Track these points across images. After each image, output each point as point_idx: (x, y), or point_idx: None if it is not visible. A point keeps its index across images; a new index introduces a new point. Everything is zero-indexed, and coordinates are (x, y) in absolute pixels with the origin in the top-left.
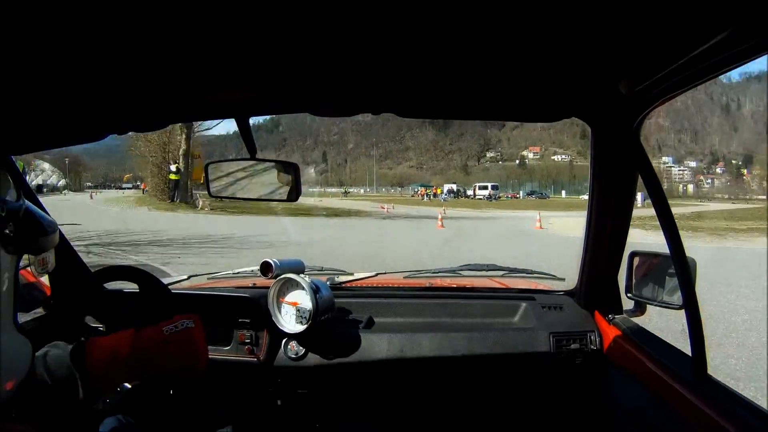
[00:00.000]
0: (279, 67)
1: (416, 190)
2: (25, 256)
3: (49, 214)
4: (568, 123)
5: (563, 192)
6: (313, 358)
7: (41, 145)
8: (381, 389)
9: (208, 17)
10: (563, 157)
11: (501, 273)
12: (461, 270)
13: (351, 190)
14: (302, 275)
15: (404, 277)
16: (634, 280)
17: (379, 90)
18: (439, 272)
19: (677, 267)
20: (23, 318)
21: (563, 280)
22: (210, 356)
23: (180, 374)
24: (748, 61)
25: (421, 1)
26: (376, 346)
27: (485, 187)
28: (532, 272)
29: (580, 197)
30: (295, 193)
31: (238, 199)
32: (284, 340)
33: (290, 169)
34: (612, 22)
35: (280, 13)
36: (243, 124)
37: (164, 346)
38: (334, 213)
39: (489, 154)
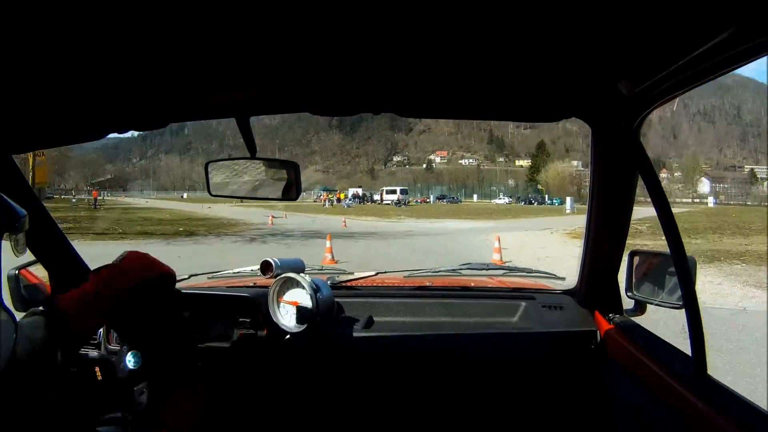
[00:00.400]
0: (279, 67)
1: (319, 195)
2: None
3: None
4: (474, 127)
5: (474, 196)
6: (313, 358)
7: (41, 144)
8: (381, 389)
9: (209, 17)
10: (471, 161)
11: (501, 272)
12: (461, 269)
13: None
14: (302, 274)
15: (404, 277)
16: (634, 280)
17: (378, 90)
18: (439, 271)
19: (677, 266)
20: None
21: (563, 279)
22: (210, 355)
23: (150, 285)
24: (748, 62)
25: (421, 1)
26: (375, 345)
27: (393, 191)
28: (531, 271)
29: (493, 201)
30: (295, 192)
31: (238, 198)
32: (284, 340)
33: (290, 168)
34: (612, 22)
35: (280, 14)
36: (243, 124)
37: (121, 267)
38: (194, 229)
39: (396, 158)
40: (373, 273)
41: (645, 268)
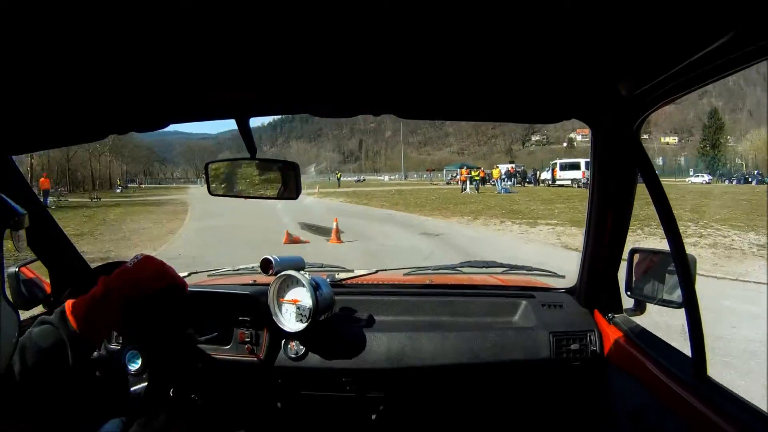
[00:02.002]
0: (279, 67)
1: (454, 174)
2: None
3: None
4: None
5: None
6: (313, 358)
7: (42, 145)
8: (381, 387)
9: (209, 18)
10: None
11: (501, 270)
12: (461, 267)
13: (364, 177)
14: (303, 272)
15: (404, 274)
16: (634, 278)
17: (379, 91)
18: (440, 269)
19: (677, 264)
20: (24, 315)
21: (563, 277)
22: (210, 356)
23: (160, 296)
24: (749, 66)
25: (421, 2)
26: (376, 344)
27: (574, 166)
28: (531, 269)
29: (688, 180)
30: (295, 192)
31: (238, 197)
32: (284, 339)
33: (290, 168)
34: (614, 24)
35: (280, 14)
36: (243, 125)
37: (132, 274)
38: None
39: (534, 138)
40: (373, 270)
41: (645, 266)
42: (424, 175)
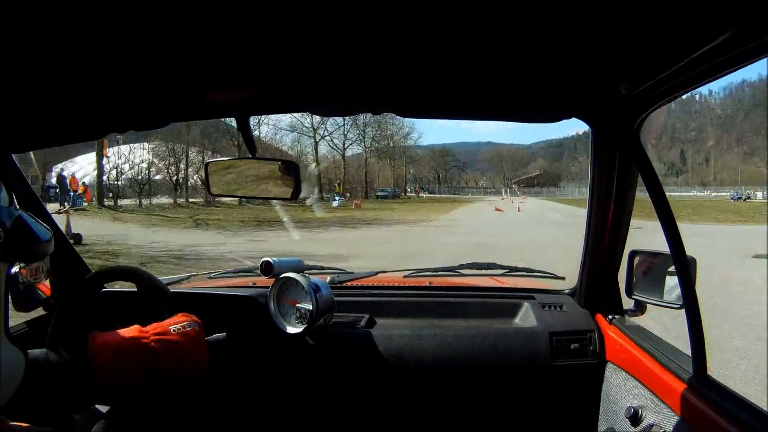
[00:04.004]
0: (279, 66)
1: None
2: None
3: (49, 219)
4: None
5: None
6: (313, 359)
7: (42, 143)
8: (381, 389)
9: (209, 17)
10: None
11: (501, 272)
12: (461, 269)
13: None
14: (302, 274)
15: (404, 276)
16: (634, 279)
17: (378, 90)
18: (440, 271)
19: (677, 266)
20: (24, 318)
21: (563, 279)
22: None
23: (184, 374)
24: (748, 64)
25: (421, 1)
26: (376, 345)
27: None
28: (532, 271)
29: None
30: (295, 192)
31: (238, 197)
32: (284, 341)
33: (290, 168)
34: (613, 22)
35: (280, 13)
36: (243, 124)
37: (171, 344)
38: None
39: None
40: (373, 272)
41: (645, 268)
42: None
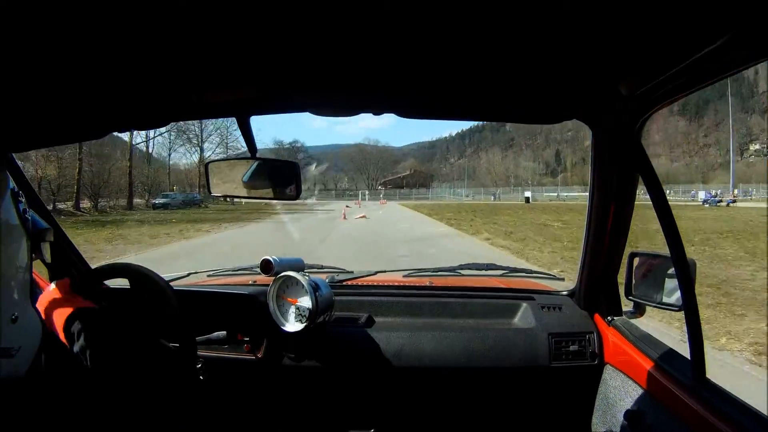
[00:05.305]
0: (279, 66)
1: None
2: None
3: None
4: None
5: None
6: (312, 358)
7: (43, 143)
8: (380, 388)
9: (209, 17)
10: None
11: (500, 272)
12: (461, 269)
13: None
14: (302, 273)
15: (404, 276)
16: (633, 281)
17: (379, 90)
18: (439, 271)
19: (677, 268)
20: None
21: (563, 280)
22: (209, 354)
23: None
24: (749, 66)
25: (421, 2)
26: (375, 344)
27: None
28: (531, 272)
29: None
30: (295, 192)
31: (238, 197)
32: (283, 339)
33: (291, 168)
34: (614, 24)
35: (281, 13)
36: (243, 124)
37: None
38: None
39: (753, 147)
40: (372, 272)
41: (644, 270)
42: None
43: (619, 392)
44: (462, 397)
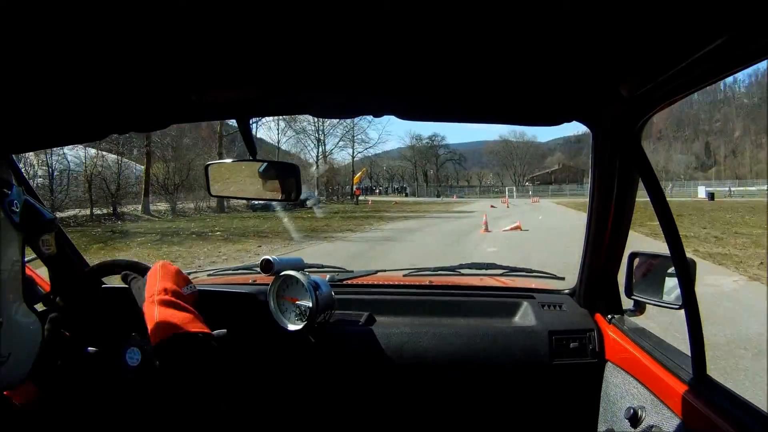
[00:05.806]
0: (279, 67)
1: None
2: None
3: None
4: None
5: None
6: (312, 356)
7: (43, 144)
8: (380, 386)
9: (209, 17)
10: None
11: (501, 272)
12: (461, 268)
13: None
14: (302, 272)
15: (404, 275)
16: (633, 280)
17: (379, 91)
18: (439, 270)
19: (677, 267)
20: None
21: (563, 279)
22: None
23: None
24: (749, 65)
25: (421, 2)
26: (376, 343)
27: None
28: (531, 271)
29: None
30: (295, 193)
31: (238, 198)
32: (284, 338)
33: (290, 170)
34: (614, 24)
35: (281, 13)
36: (243, 125)
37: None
38: None
39: None
40: (373, 271)
41: (645, 269)
42: None
43: (620, 390)
44: (463, 395)
